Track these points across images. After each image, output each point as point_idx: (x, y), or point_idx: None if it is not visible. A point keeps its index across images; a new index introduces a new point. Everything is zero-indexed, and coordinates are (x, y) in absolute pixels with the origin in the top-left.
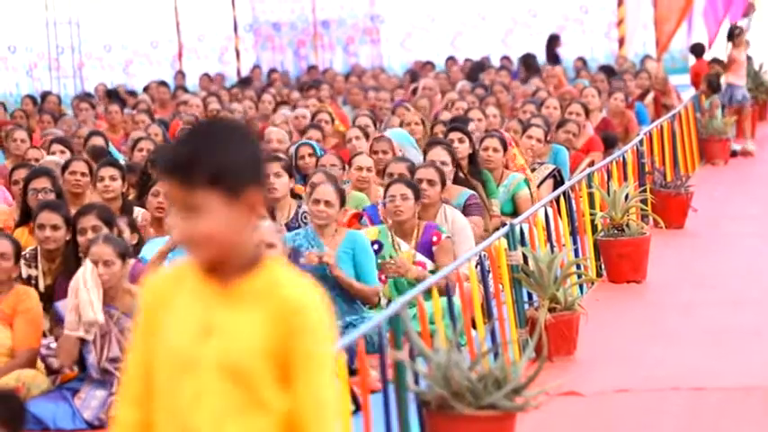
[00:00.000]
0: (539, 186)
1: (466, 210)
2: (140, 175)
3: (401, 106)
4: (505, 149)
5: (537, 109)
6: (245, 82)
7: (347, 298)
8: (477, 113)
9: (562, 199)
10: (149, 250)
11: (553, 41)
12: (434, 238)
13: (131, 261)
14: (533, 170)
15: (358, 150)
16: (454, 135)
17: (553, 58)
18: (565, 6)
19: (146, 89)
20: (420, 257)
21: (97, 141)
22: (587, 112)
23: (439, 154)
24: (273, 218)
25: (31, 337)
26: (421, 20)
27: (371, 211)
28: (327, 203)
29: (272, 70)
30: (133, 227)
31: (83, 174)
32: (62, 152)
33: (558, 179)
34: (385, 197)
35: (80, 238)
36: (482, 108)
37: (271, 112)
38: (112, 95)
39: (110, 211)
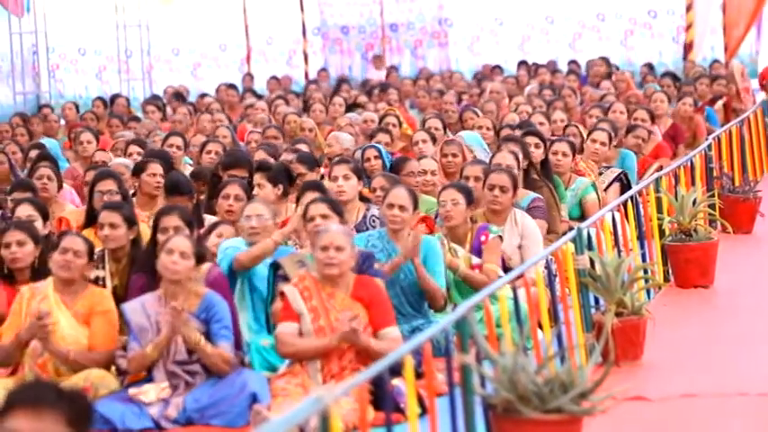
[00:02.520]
0: (605, 190)
1: (528, 212)
2: (210, 177)
3: (468, 110)
4: (574, 154)
5: (604, 113)
6: (311, 85)
7: (414, 302)
8: (540, 117)
9: (630, 203)
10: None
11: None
12: (483, 238)
13: (207, 265)
14: (599, 174)
15: (425, 153)
16: (531, 140)
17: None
18: (633, 10)
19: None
20: (477, 260)
21: (176, 142)
22: (653, 118)
23: (505, 158)
24: (344, 221)
25: (109, 339)
26: (489, 23)
27: None
28: (402, 208)
29: (343, 80)
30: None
31: (161, 175)
32: (139, 154)
33: (624, 182)
34: (438, 201)
35: (161, 237)
36: (549, 112)
37: (339, 115)
38: (180, 98)
39: (191, 213)
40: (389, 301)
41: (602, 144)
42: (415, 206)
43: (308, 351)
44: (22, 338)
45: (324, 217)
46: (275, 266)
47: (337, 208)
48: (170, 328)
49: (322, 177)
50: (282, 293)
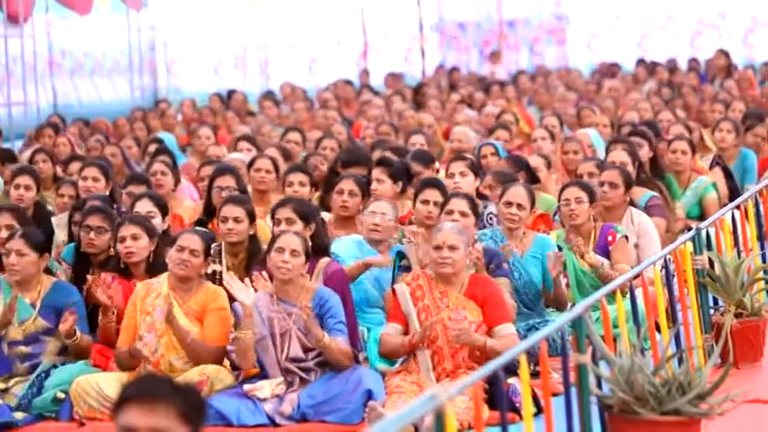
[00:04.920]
0: None
1: (646, 211)
2: (329, 173)
3: (586, 107)
4: (693, 152)
5: (724, 108)
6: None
7: (529, 302)
8: (668, 115)
9: (750, 203)
10: (336, 248)
11: None
12: (609, 238)
13: (325, 260)
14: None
15: (544, 151)
16: (634, 139)
17: None
18: (755, 7)
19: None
20: (601, 260)
21: (294, 138)
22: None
23: (618, 155)
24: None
25: (221, 336)
26: (607, 20)
27: None
28: (520, 206)
29: (453, 69)
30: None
31: (267, 171)
32: (248, 150)
33: (722, 165)
34: (560, 200)
35: (276, 228)
36: (670, 110)
37: (456, 111)
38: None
39: (307, 206)
40: (504, 298)
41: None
42: (533, 204)
43: (396, 349)
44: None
45: (463, 215)
46: (400, 256)
47: (475, 207)
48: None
49: (437, 172)
50: (393, 291)
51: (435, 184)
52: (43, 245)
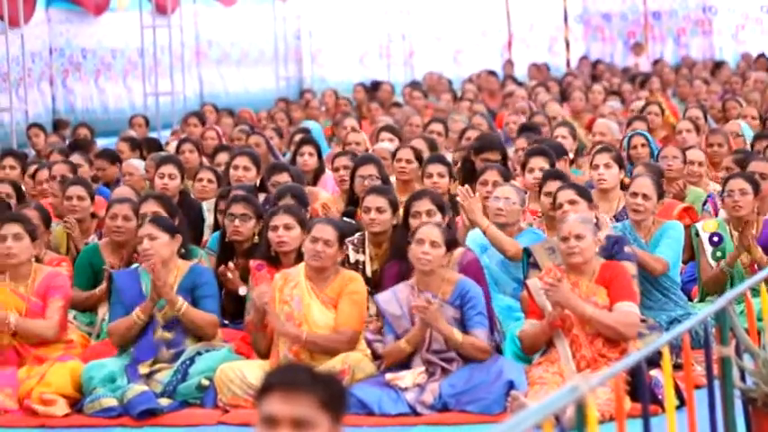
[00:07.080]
0: None
1: None
2: (463, 162)
3: (731, 99)
4: None
5: None
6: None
7: (663, 287)
8: None
9: None
10: (471, 239)
11: None
12: None
13: (460, 250)
14: None
15: (689, 143)
16: None
17: None
18: None
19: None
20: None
21: (437, 128)
22: None
23: None
24: (593, 206)
25: (354, 319)
26: (754, 11)
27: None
28: (645, 196)
29: (597, 61)
30: None
31: (408, 161)
32: (390, 140)
33: None
34: (723, 191)
35: (412, 222)
36: None
37: (600, 103)
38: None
39: (441, 198)
40: (632, 280)
41: None
42: (660, 196)
43: (537, 339)
44: (254, 319)
45: (572, 203)
46: (528, 253)
47: (585, 193)
48: (422, 322)
49: (572, 163)
50: (527, 286)
51: (557, 175)
52: (173, 227)
